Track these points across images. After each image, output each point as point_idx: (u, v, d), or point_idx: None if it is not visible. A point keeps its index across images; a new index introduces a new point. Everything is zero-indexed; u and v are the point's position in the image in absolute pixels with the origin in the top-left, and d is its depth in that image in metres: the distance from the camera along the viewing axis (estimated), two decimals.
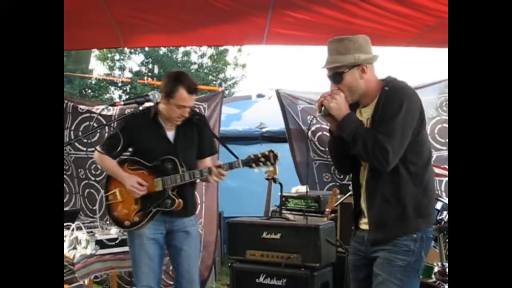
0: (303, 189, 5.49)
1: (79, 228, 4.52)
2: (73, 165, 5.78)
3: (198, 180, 3.75)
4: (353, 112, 2.66)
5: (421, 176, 2.61)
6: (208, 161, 3.76)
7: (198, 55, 16.76)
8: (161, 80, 3.93)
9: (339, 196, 4.94)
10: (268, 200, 4.98)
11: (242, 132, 7.71)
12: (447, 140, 5.75)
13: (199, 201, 5.52)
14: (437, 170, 4.23)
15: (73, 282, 4.54)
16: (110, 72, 16.58)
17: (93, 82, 15.02)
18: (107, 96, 15.30)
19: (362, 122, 2.63)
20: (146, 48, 15.27)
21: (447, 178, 5.23)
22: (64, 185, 5.78)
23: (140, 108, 3.25)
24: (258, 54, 36.78)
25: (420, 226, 2.59)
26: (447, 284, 3.50)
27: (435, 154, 5.55)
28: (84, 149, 5.67)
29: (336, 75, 2.63)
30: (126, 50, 15.73)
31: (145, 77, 15.66)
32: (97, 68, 16.86)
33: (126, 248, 4.04)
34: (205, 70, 16.79)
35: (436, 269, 3.77)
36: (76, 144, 5.67)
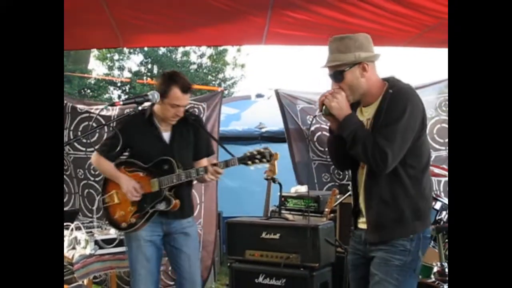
0: (302, 189, 5.49)
1: (78, 228, 4.52)
2: (72, 165, 5.77)
3: (195, 182, 3.75)
4: (354, 113, 2.66)
5: (420, 179, 2.61)
6: (204, 162, 3.74)
7: (197, 55, 16.77)
8: None
9: (338, 196, 4.94)
10: (268, 200, 4.98)
11: (241, 132, 7.71)
12: (446, 140, 5.77)
13: (198, 201, 5.53)
14: (436, 170, 4.24)
15: (72, 282, 4.53)
16: (109, 72, 16.58)
17: (92, 82, 15.02)
18: (106, 96, 15.29)
19: (362, 123, 2.62)
20: (146, 48, 15.26)
21: (446, 178, 5.24)
22: (64, 185, 5.78)
23: (140, 108, 3.25)
24: (257, 54, 36.75)
25: (417, 228, 2.60)
26: (447, 284, 3.50)
27: (434, 154, 5.56)
28: (83, 149, 5.67)
29: (337, 74, 2.62)
30: (126, 50, 15.73)
31: (144, 77, 15.64)
32: (96, 68, 16.90)
33: (125, 248, 4.04)
34: (204, 70, 16.78)
35: (435, 269, 3.77)
36: (75, 144, 5.67)
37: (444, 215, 3.96)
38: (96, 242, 4.29)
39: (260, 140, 7.50)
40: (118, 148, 3.48)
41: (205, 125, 4.86)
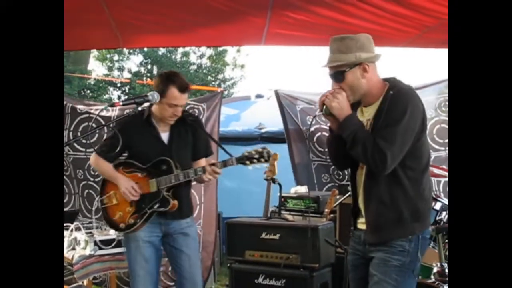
0: (302, 189, 5.50)
1: (78, 229, 4.52)
2: (72, 165, 5.77)
3: (194, 182, 3.74)
4: (355, 113, 2.66)
5: (419, 181, 2.61)
6: (203, 163, 3.74)
7: (197, 55, 16.78)
8: None
9: (338, 197, 4.94)
10: (267, 201, 4.97)
11: (241, 133, 7.71)
12: (445, 141, 5.77)
13: (198, 202, 5.52)
14: (435, 171, 4.24)
15: (72, 282, 4.53)
16: (109, 72, 16.59)
17: (92, 82, 15.02)
18: (106, 96, 15.30)
19: (362, 124, 2.62)
20: (145, 49, 15.27)
21: (445, 179, 5.25)
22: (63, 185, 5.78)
23: (139, 108, 3.25)
24: (257, 54, 36.81)
25: (415, 229, 2.60)
26: (447, 284, 3.50)
27: (433, 155, 5.56)
28: (83, 149, 5.67)
29: (338, 74, 2.62)
30: (125, 50, 15.76)
31: (144, 78, 15.64)
32: (96, 68, 16.91)
33: (124, 249, 4.04)
34: (204, 71, 16.79)
35: (435, 270, 3.77)
36: (75, 144, 5.67)
37: (444, 215, 3.96)
38: (95, 243, 4.29)
39: (259, 141, 7.50)
40: (118, 149, 3.48)
41: (205, 126, 4.86)
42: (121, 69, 16.58)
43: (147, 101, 3.31)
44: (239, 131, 7.78)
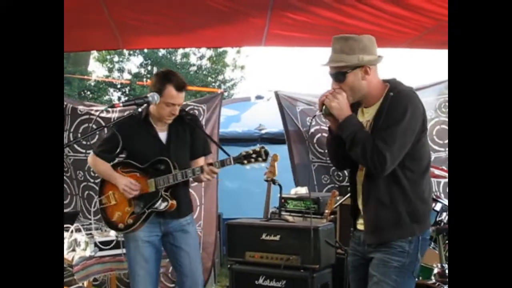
0: (302, 190, 5.49)
1: (78, 230, 4.52)
2: (72, 167, 5.77)
3: (195, 183, 3.73)
4: (354, 114, 2.66)
5: (419, 183, 2.61)
6: (201, 162, 3.73)
7: (197, 56, 16.77)
8: None
9: (338, 198, 4.94)
10: (268, 202, 4.97)
11: (241, 134, 7.71)
12: (445, 142, 5.77)
13: (198, 203, 5.52)
14: (435, 171, 4.24)
15: (72, 284, 4.52)
16: (109, 74, 16.59)
17: (92, 84, 15.02)
18: (106, 97, 15.30)
19: (362, 124, 2.62)
20: (145, 50, 15.27)
21: (445, 179, 5.24)
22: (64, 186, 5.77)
23: (139, 109, 3.26)
24: (257, 55, 36.85)
25: (415, 231, 2.60)
26: (447, 285, 3.50)
27: (433, 155, 5.56)
28: (83, 151, 5.66)
29: (339, 74, 2.62)
30: (125, 51, 15.75)
31: (144, 79, 15.62)
32: (96, 70, 16.90)
33: (125, 250, 4.04)
34: (204, 72, 16.78)
35: (435, 271, 3.76)
36: (75, 146, 5.66)
37: (444, 216, 3.96)
38: (96, 244, 4.29)
39: (259, 142, 7.49)
40: (117, 150, 3.48)
41: (205, 127, 4.86)
42: (121, 70, 16.58)
43: (147, 102, 3.31)
44: (239, 132, 7.78)
